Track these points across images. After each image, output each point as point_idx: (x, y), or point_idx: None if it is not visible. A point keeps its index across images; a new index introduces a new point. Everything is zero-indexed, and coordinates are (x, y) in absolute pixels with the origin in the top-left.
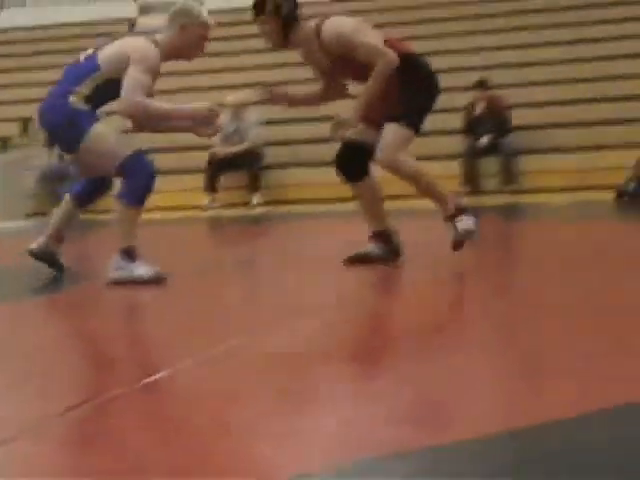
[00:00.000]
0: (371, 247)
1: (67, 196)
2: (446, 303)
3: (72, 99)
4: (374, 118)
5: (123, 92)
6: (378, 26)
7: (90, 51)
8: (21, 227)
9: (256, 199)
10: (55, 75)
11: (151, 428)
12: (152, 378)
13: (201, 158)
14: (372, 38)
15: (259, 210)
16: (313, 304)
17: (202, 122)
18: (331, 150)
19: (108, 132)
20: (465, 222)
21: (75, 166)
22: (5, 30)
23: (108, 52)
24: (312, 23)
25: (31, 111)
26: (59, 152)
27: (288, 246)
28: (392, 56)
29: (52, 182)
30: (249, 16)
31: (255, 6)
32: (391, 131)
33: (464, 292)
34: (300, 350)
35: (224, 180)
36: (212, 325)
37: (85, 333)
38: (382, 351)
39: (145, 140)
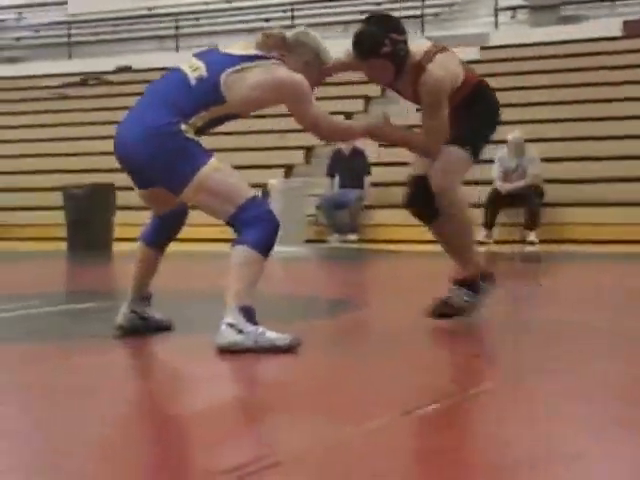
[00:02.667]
0: (453, 294)
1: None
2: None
3: (183, 128)
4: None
5: (318, 126)
6: None
7: (201, 69)
8: (299, 252)
9: (533, 236)
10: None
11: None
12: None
13: (479, 193)
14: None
15: (535, 248)
16: None
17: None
18: (614, 191)
19: (227, 170)
20: (469, 296)
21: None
22: None
23: (243, 85)
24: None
25: (315, 140)
26: (340, 182)
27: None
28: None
29: (331, 210)
30: None
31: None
32: (453, 152)
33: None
34: None
35: (501, 216)
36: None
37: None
38: None
39: None
